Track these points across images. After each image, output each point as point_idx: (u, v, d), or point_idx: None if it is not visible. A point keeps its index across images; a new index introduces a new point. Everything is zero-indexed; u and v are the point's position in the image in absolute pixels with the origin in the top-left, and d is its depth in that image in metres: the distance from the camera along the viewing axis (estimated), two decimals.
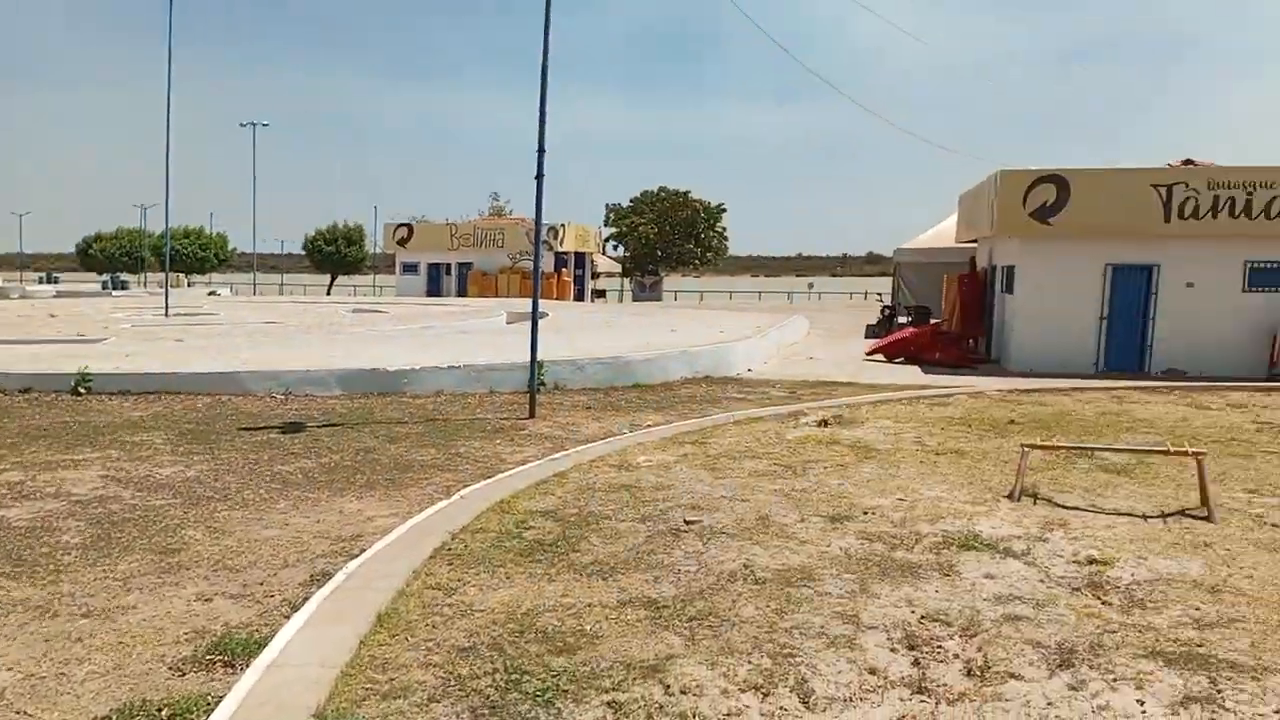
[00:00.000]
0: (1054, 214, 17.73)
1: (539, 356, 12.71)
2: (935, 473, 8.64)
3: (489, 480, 8.43)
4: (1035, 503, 7.63)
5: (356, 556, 6.33)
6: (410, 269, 48.49)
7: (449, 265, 47.49)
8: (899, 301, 28.91)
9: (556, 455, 9.52)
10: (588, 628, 5.01)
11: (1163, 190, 17.35)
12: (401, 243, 48.31)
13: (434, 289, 47.17)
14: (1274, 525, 6.97)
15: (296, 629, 4.99)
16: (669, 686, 4.32)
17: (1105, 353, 18.05)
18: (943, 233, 29.69)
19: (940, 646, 4.76)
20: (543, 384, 13.47)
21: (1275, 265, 17.42)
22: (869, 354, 20.46)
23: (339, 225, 67.75)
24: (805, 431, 10.65)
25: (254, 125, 62.41)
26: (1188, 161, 18.74)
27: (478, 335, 21.10)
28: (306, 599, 5.52)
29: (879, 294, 34.90)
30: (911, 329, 21.68)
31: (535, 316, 12.98)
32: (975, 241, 24.29)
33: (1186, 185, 17.29)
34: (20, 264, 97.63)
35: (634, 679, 4.39)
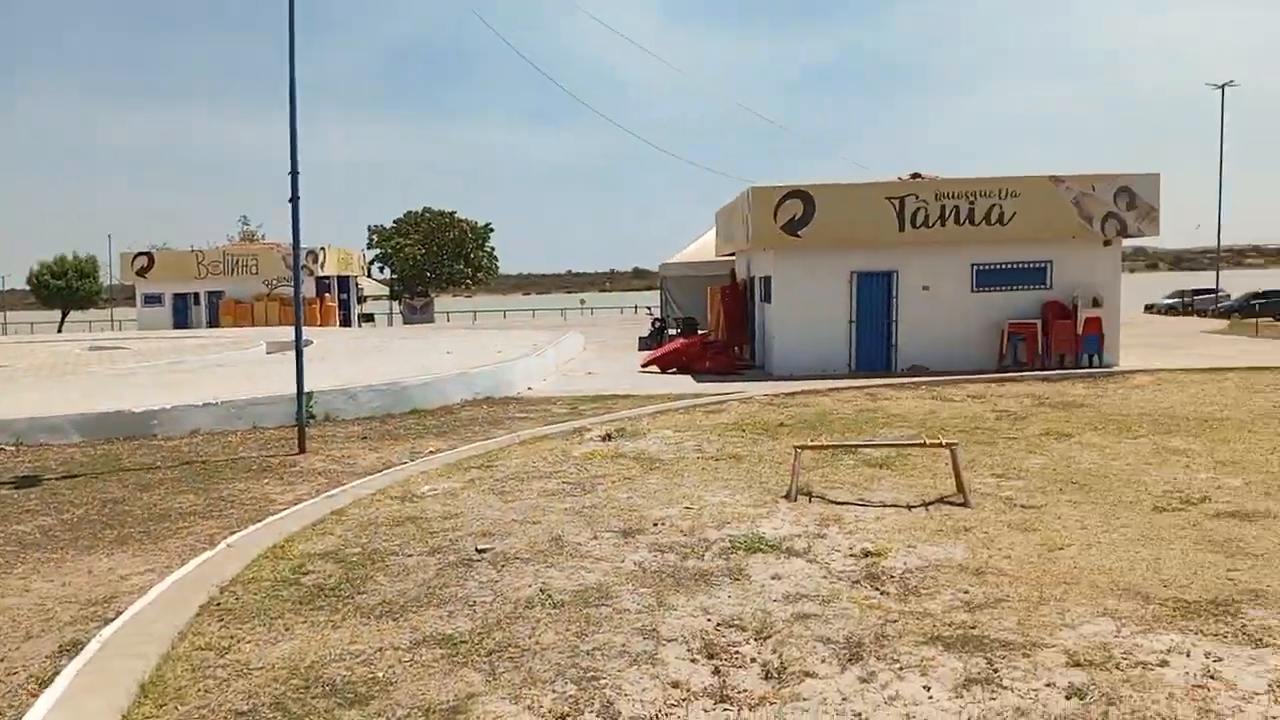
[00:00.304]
0: (802, 227, 18.77)
1: (307, 387, 12.07)
2: (717, 479, 8.89)
3: (259, 524, 7.87)
4: (810, 501, 7.99)
5: (111, 621, 5.72)
6: (153, 300, 44.94)
7: (197, 295, 44.42)
8: (668, 314, 29.71)
9: (333, 491, 9.04)
10: (380, 674, 4.75)
11: (896, 202, 18.77)
12: (141, 273, 44.69)
13: (181, 320, 43.95)
14: (1023, 506, 7.64)
15: (46, 709, 4.42)
16: None
17: (856, 354, 19.28)
18: (704, 246, 30.77)
19: (738, 652, 4.86)
20: (312, 416, 12.80)
21: (998, 267, 19.23)
22: (644, 366, 20.88)
23: (69, 257, 61.80)
24: (591, 447, 10.68)
25: None
26: (915, 175, 20.38)
27: (236, 368, 19.79)
28: (56, 673, 4.92)
29: (649, 307, 35.77)
30: (681, 340, 22.30)
31: (299, 345, 12.31)
32: (734, 254, 25.34)
33: (916, 197, 18.79)
34: None
35: None
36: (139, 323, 45.60)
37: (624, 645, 4.97)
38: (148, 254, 45.47)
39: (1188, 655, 4.60)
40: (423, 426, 13.21)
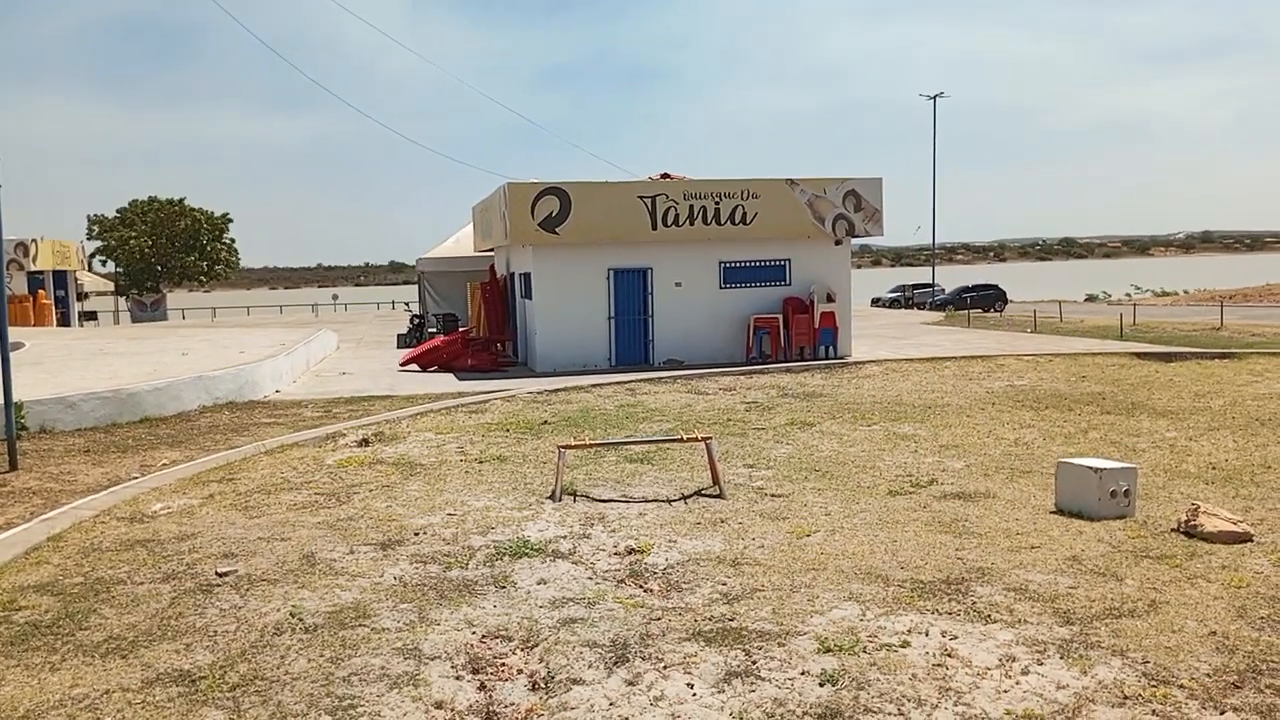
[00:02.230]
0: (560, 224, 18.86)
1: (17, 395, 10.79)
2: (482, 482, 8.72)
3: None
4: (575, 500, 8.00)
5: None
6: None
7: None
8: (427, 310, 29.02)
9: (49, 514, 8.11)
10: None
11: (648, 201, 19.23)
12: None
13: None
14: (772, 495, 8.00)
15: None
16: None
17: (616, 349, 19.62)
18: (463, 241, 30.28)
19: (504, 664, 4.76)
20: (24, 429, 11.46)
21: (743, 264, 20.14)
22: (403, 364, 20.28)
23: None
24: (346, 453, 10.19)
25: None
26: (665, 175, 20.98)
27: None
28: None
29: (407, 303, 34.78)
30: (442, 337, 21.83)
31: (5, 348, 10.99)
32: (493, 250, 25.11)
33: (667, 196, 19.33)
34: None
35: None
36: None
37: (383, 667, 4.74)
38: None
39: (927, 635, 4.96)
40: (155, 437, 12.16)
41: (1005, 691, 4.33)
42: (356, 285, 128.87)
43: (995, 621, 5.14)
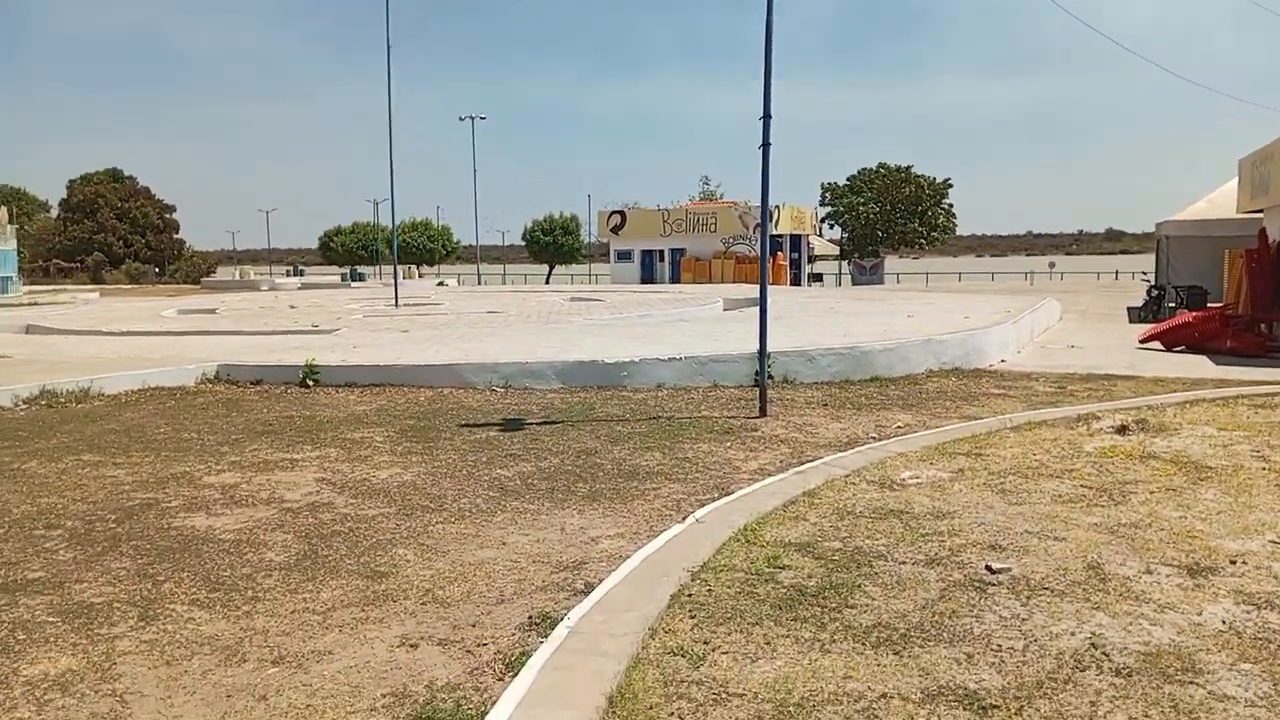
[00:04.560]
0: None
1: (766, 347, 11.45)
2: None
3: (727, 498, 7.22)
4: None
5: (580, 591, 5.33)
6: (624, 256, 48.40)
7: (662, 252, 47.00)
8: (1168, 281, 25.62)
9: (802, 467, 8.19)
10: None
11: None
12: (615, 230, 48.28)
13: (648, 275, 46.85)
14: None
15: (511, 708, 3.94)
16: None
17: None
18: (1218, 202, 26.31)
19: None
20: (770, 378, 12.18)
21: None
22: (1142, 341, 17.88)
23: (555, 216, 69.11)
24: (1106, 441, 8.76)
25: (472, 119, 64.43)
26: None
27: (695, 324, 20.06)
28: (523, 653, 4.52)
29: (1144, 273, 31.28)
30: (1192, 313, 18.84)
31: (764, 301, 11.77)
32: (1261, 211, 21.02)
33: None
34: (269, 258, 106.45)
35: None
36: (611, 276, 49.51)
37: None
38: (620, 212, 49.07)
39: None
40: (885, 397, 12.09)
41: None
42: (1067, 254, 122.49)
43: None
